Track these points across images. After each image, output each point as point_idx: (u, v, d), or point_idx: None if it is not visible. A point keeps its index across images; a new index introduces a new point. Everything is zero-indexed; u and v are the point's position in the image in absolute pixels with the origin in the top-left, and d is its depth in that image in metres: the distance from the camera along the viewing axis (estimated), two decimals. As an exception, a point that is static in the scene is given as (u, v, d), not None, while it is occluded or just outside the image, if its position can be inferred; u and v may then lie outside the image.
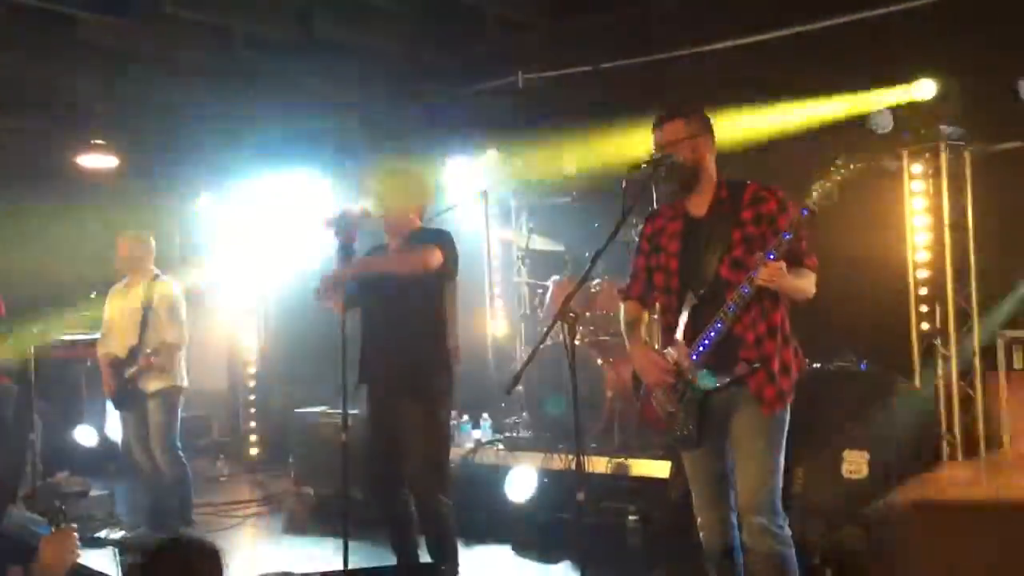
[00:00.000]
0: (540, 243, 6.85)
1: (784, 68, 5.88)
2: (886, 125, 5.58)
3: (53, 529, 2.74)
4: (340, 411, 4.21)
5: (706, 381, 3.31)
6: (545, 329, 3.78)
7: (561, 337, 3.31)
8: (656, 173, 3.42)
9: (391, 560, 4.48)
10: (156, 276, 5.79)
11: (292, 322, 8.64)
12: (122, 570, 4.40)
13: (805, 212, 3.15)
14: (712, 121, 3.47)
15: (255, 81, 7.49)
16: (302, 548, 5.85)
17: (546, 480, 5.55)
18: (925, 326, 5.73)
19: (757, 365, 3.27)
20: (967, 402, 5.66)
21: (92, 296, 7.55)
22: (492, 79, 7.09)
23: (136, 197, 8.64)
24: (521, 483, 5.58)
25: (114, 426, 7.53)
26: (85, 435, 7.75)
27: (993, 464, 5.28)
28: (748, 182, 3.41)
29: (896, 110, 5.56)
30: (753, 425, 3.32)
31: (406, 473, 4.33)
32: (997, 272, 5.66)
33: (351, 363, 4.26)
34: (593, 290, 6.17)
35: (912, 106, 5.58)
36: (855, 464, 4.81)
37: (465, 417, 6.45)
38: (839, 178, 3.11)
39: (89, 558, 3.34)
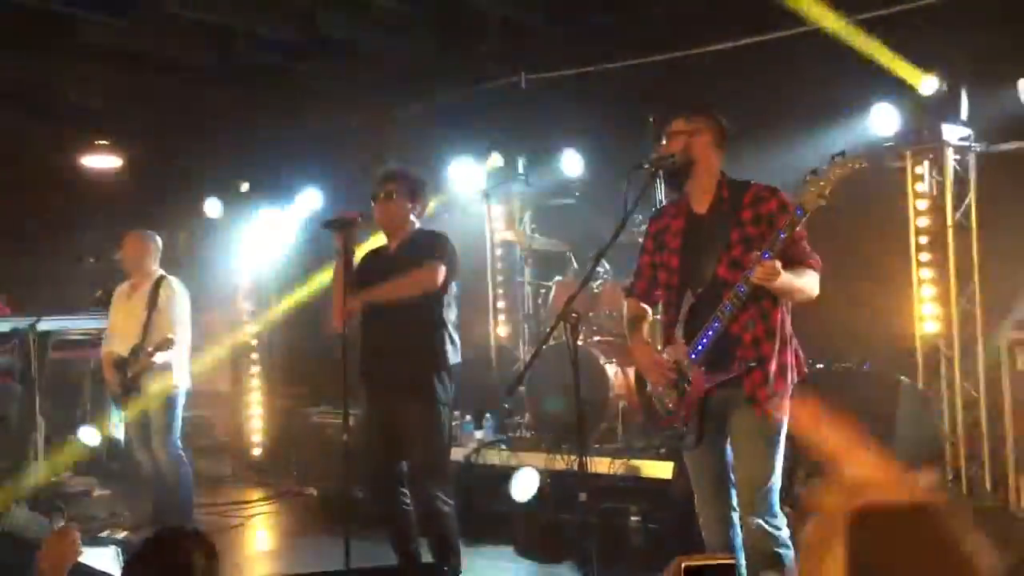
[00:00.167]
0: (543, 243, 6.85)
1: (790, 68, 5.88)
2: (889, 125, 5.57)
3: (55, 528, 2.74)
4: (342, 411, 4.22)
5: (702, 381, 3.32)
6: (548, 329, 3.78)
7: (564, 337, 3.30)
8: (657, 173, 3.43)
9: (393, 560, 4.48)
10: (162, 276, 5.80)
11: (295, 323, 8.65)
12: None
13: (800, 211, 3.13)
14: (720, 120, 3.46)
15: (259, 82, 7.51)
16: (304, 548, 5.86)
17: (549, 480, 5.54)
18: (929, 327, 5.72)
19: (753, 364, 3.26)
20: (971, 404, 5.65)
21: (97, 294, 7.57)
22: (495, 79, 7.09)
23: (140, 197, 8.66)
24: (524, 483, 5.57)
25: (117, 426, 7.53)
26: (88, 435, 7.75)
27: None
28: (751, 182, 3.42)
29: (900, 110, 5.55)
30: (750, 426, 3.32)
31: (406, 474, 4.33)
32: (1001, 273, 5.65)
33: (352, 364, 4.26)
34: (596, 290, 6.16)
35: (916, 106, 5.57)
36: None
37: (468, 417, 6.45)
38: (832, 177, 3.09)
39: (91, 558, 3.34)
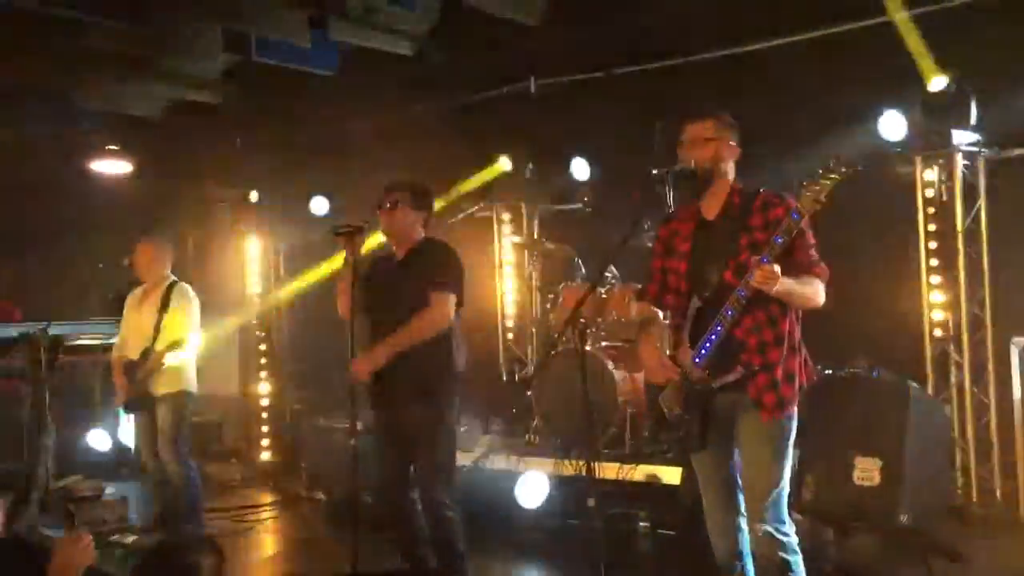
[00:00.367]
0: (551, 248, 6.85)
1: (799, 74, 5.88)
2: (898, 131, 5.57)
3: (67, 532, 2.75)
4: (351, 416, 4.23)
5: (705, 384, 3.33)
6: (556, 335, 3.78)
7: (572, 343, 3.31)
8: (667, 179, 3.43)
9: (401, 565, 4.49)
10: (173, 282, 5.82)
11: (304, 328, 8.67)
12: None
13: (796, 215, 3.13)
14: (736, 127, 3.47)
15: (269, 87, 7.54)
16: (313, 553, 5.86)
17: (557, 486, 5.54)
18: (938, 332, 5.71)
19: (756, 368, 3.26)
20: (981, 409, 5.63)
21: (109, 297, 7.60)
22: (505, 85, 7.11)
23: (149, 203, 8.70)
24: (532, 489, 5.57)
25: (127, 430, 7.56)
26: (98, 439, 7.78)
27: None
28: (761, 189, 3.42)
29: (909, 116, 5.54)
30: (756, 431, 3.32)
31: (414, 479, 4.35)
32: (1011, 278, 5.64)
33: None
34: (604, 296, 6.16)
35: (925, 111, 5.57)
36: (867, 471, 4.78)
37: (476, 422, 6.45)
38: (828, 182, 3.08)
39: (101, 562, 3.35)
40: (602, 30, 6.72)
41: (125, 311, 5.95)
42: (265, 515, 6.74)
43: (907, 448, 4.77)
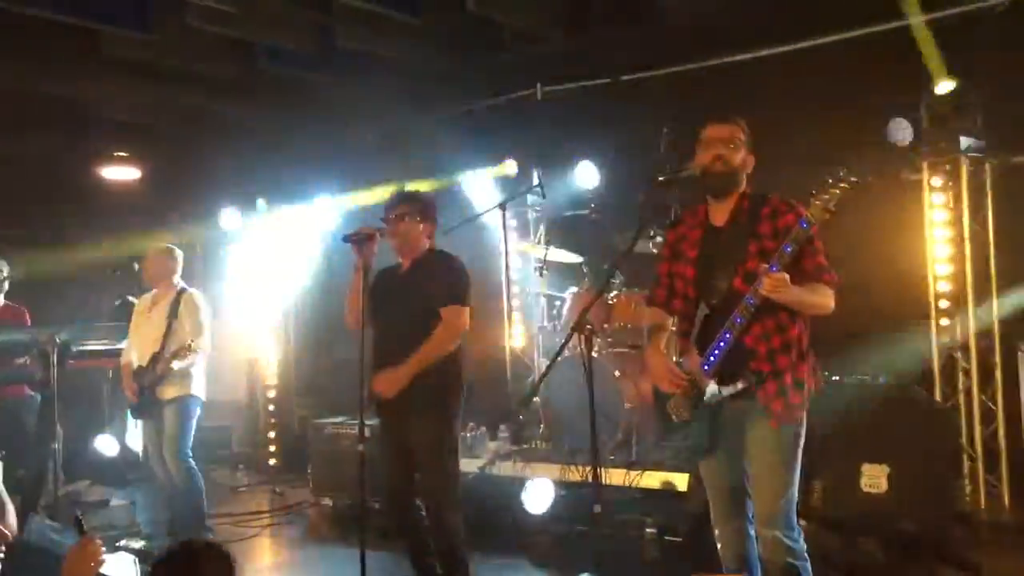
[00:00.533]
0: (558, 255, 6.86)
1: (806, 80, 5.88)
2: (905, 137, 5.56)
3: (77, 538, 2.77)
4: (358, 422, 4.24)
5: (713, 392, 3.32)
6: (562, 341, 3.78)
7: (578, 349, 3.31)
8: (674, 185, 3.43)
9: (408, 571, 4.50)
10: (183, 289, 5.84)
11: (311, 334, 8.69)
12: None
13: (804, 224, 3.13)
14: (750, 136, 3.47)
15: (276, 94, 7.57)
16: (320, 559, 5.87)
17: (563, 492, 5.54)
18: (946, 339, 5.69)
19: (765, 375, 3.26)
20: (988, 415, 5.62)
21: (116, 303, 7.63)
22: (511, 91, 7.12)
23: (158, 208, 8.74)
24: (538, 495, 5.57)
25: (135, 435, 7.59)
26: (106, 444, 7.81)
27: None
28: (770, 196, 3.41)
29: (915, 122, 5.54)
30: (765, 438, 3.32)
31: (418, 487, 4.36)
32: (1018, 284, 5.62)
33: (368, 376, 4.30)
34: (610, 302, 6.16)
35: (932, 118, 5.56)
36: (874, 478, 4.77)
37: (482, 429, 6.45)
38: (837, 191, 3.08)
39: (110, 567, 3.37)
40: (608, 36, 6.73)
41: (135, 317, 5.98)
42: (271, 520, 6.75)
43: (914, 455, 4.76)
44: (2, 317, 6.46)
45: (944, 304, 5.69)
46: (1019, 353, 5.49)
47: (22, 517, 4.05)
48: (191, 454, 5.73)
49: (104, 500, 6.40)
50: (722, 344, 3.27)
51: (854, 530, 4.82)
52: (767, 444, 3.31)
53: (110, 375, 7.59)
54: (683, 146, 3.49)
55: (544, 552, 5.43)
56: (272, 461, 8.48)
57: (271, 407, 8.65)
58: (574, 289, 6.50)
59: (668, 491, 5.28)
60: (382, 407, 4.40)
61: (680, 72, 6.31)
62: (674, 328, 3.63)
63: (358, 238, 4.28)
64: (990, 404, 5.62)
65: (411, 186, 5.07)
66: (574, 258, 6.79)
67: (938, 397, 5.62)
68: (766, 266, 3.14)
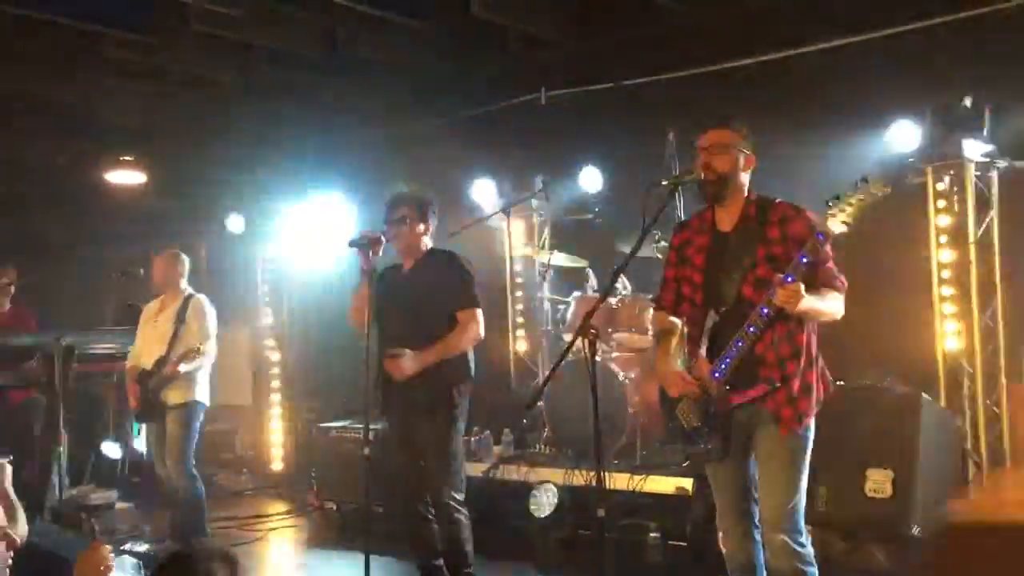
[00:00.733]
0: (562, 259, 6.86)
1: (810, 84, 5.88)
2: (910, 141, 5.56)
3: (87, 542, 2.78)
4: (362, 426, 4.25)
5: (725, 400, 3.32)
6: (567, 345, 3.78)
7: (583, 353, 3.31)
8: (677, 189, 3.43)
9: (413, 575, 4.50)
10: (191, 295, 5.86)
11: (316, 338, 8.70)
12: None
13: (821, 236, 3.12)
14: (751, 138, 3.47)
15: (280, 98, 7.58)
16: (324, 562, 5.87)
17: (567, 496, 5.54)
18: (951, 344, 5.68)
19: (778, 385, 3.26)
20: (993, 420, 5.61)
21: (121, 307, 7.64)
22: (515, 96, 7.13)
23: (163, 212, 8.75)
24: (542, 499, 5.57)
25: (140, 440, 7.59)
26: (111, 448, 7.82)
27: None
28: (778, 200, 3.40)
29: (921, 127, 5.53)
30: (773, 444, 3.32)
31: (425, 483, 4.39)
32: (1023, 289, 5.61)
33: (372, 381, 4.31)
34: (615, 306, 6.16)
35: (937, 122, 5.55)
36: (879, 483, 4.76)
37: (487, 433, 6.45)
38: (855, 203, 3.07)
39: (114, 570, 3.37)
40: (612, 40, 6.73)
41: (141, 322, 5.99)
42: (276, 524, 6.76)
43: (919, 460, 4.75)
44: (9, 321, 6.48)
45: (949, 309, 5.68)
46: (1024, 358, 5.48)
47: (28, 521, 4.06)
48: (193, 460, 5.74)
49: (109, 504, 6.40)
50: (733, 352, 3.26)
51: (859, 535, 4.81)
52: (776, 450, 3.31)
53: (115, 379, 7.59)
54: (687, 150, 3.49)
55: (548, 556, 5.43)
56: (276, 465, 8.48)
57: (275, 411, 8.66)
58: (578, 293, 6.50)
59: (672, 495, 5.27)
60: (390, 408, 4.42)
61: (684, 77, 6.31)
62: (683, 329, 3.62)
63: (363, 243, 4.30)
64: (995, 409, 5.61)
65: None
66: (578, 262, 6.80)
67: (943, 402, 5.60)
68: (780, 276, 3.12)
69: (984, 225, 5.66)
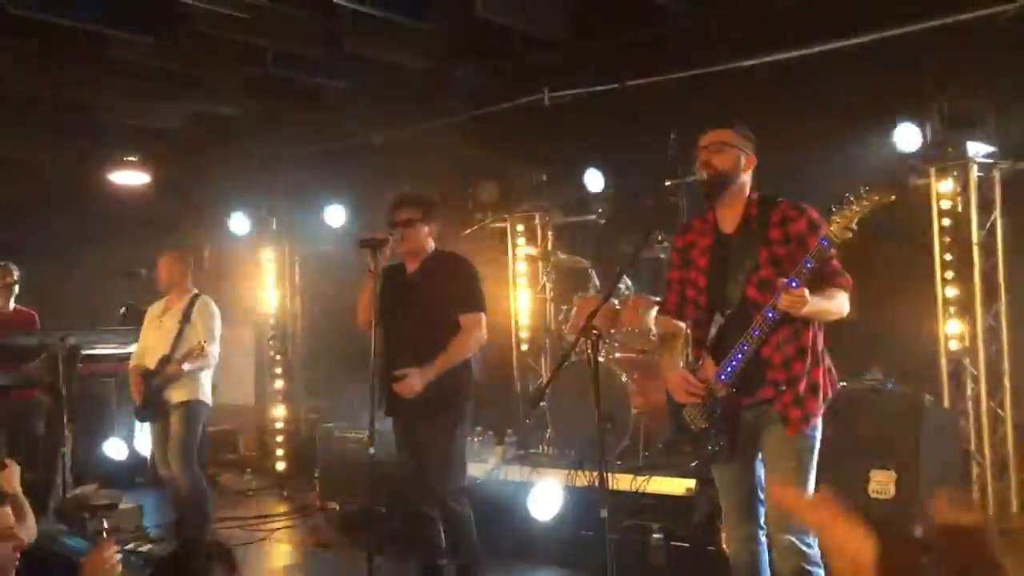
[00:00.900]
0: (565, 260, 6.87)
1: (813, 86, 5.88)
2: (913, 142, 5.55)
3: (98, 541, 2.79)
4: (365, 427, 4.26)
5: (732, 402, 3.31)
6: (569, 346, 3.79)
7: (585, 354, 3.31)
8: (680, 190, 3.44)
9: (416, 576, 4.52)
10: (196, 295, 5.87)
11: (319, 338, 8.71)
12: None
13: (824, 242, 3.11)
14: (752, 139, 3.47)
15: (284, 99, 7.59)
16: (327, 563, 5.88)
17: (570, 497, 5.54)
18: (954, 345, 5.68)
19: (784, 388, 3.26)
20: (997, 421, 5.60)
21: (122, 311, 7.65)
22: (519, 97, 7.14)
23: (167, 213, 8.76)
24: (545, 500, 5.57)
25: (143, 439, 7.60)
26: (114, 448, 7.83)
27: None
28: (780, 199, 3.40)
29: (924, 127, 5.53)
30: (781, 445, 3.32)
31: (428, 483, 4.40)
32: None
33: (377, 380, 4.32)
34: (617, 307, 6.16)
35: (940, 123, 5.54)
36: (881, 484, 4.76)
37: (490, 433, 6.46)
38: (859, 209, 3.06)
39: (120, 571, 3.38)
40: (615, 42, 6.73)
41: (146, 322, 6.00)
42: (279, 524, 6.76)
43: (922, 461, 4.75)
44: (12, 321, 6.49)
45: (952, 309, 5.68)
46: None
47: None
48: (196, 459, 5.75)
49: (112, 503, 6.40)
50: (739, 355, 3.26)
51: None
52: (783, 451, 3.31)
53: (119, 378, 7.61)
54: (690, 151, 3.49)
55: (550, 557, 5.43)
56: (280, 465, 8.49)
57: (279, 411, 8.67)
58: (581, 294, 6.51)
59: (675, 496, 5.27)
60: (393, 409, 4.43)
61: (687, 78, 6.31)
62: (688, 332, 3.62)
63: (372, 243, 4.31)
64: (998, 410, 5.60)
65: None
66: (581, 262, 6.80)
67: (946, 403, 5.60)
68: (785, 281, 3.12)
69: (987, 226, 5.65)
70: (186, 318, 5.72)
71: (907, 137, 5.55)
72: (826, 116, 5.75)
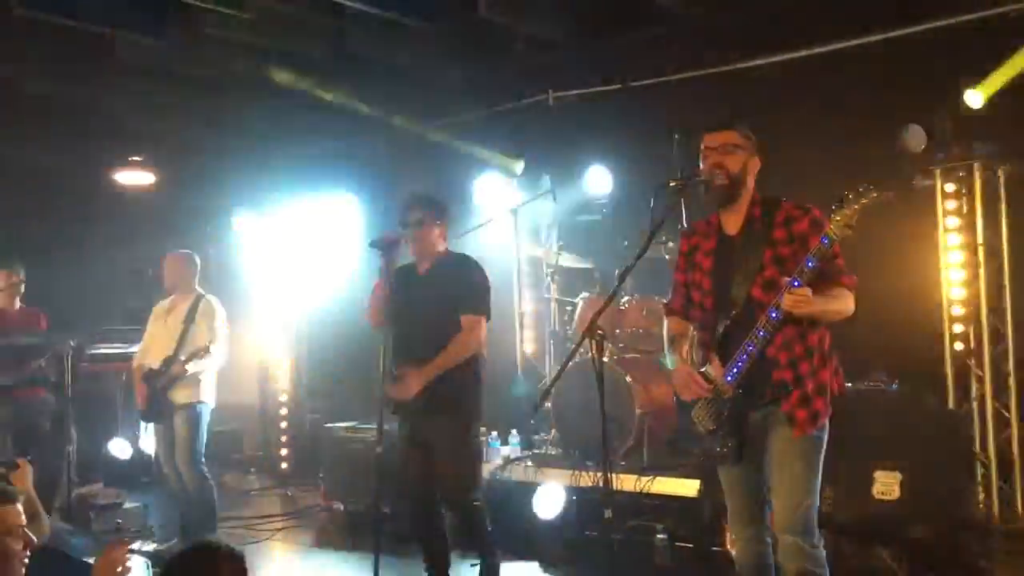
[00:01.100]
0: (569, 260, 6.86)
1: (818, 86, 5.87)
2: (919, 143, 5.54)
3: (109, 541, 2.80)
4: (370, 426, 4.28)
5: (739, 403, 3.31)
6: (574, 346, 3.80)
7: (590, 354, 3.32)
8: (685, 190, 3.43)
9: (421, 576, 4.53)
10: (201, 295, 5.87)
11: (324, 338, 8.71)
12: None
13: (825, 240, 3.10)
14: (755, 141, 3.46)
15: (288, 99, 7.59)
16: (331, 563, 5.88)
17: (574, 497, 5.54)
18: (959, 346, 5.67)
19: (791, 388, 3.26)
20: (1002, 423, 5.59)
21: (128, 307, 7.67)
22: (522, 97, 7.14)
23: (172, 213, 8.78)
24: (549, 500, 5.57)
25: (147, 439, 7.62)
26: (119, 448, 7.85)
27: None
28: (783, 200, 3.40)
29: (929, 128, 5.52)
30: (787, 446, 3.31)
31: (440, 486, 4.41)
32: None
33: (386, 380, 4.34)
34: (622, 307, 6.17)
35: (946, 124, 5.54)
36: (886, 485, 4.75)
37: (494, 433, 6.46)
38: (858, 206, 3.05)
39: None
40: (619, 42, 6.73)
41: (151, 321, 6.01)
42: (283, 524, 6.77)
43: (927, 462, 4.74)
44: (18, 321, 6.51)
45: (957, 310, 5.67)
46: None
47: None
48: (204, 459, 5.76)
49: (117, 503, 6.43)
50: (745, 356, 3.26)
51: (866, 537, 4.80)
52: (790, 452, 3.30)
53: (124, 378, 7.63)
54: (694, 151, 3.49)
55: (555, 557, 5.43)
56: (284, 465, 8.50)
57: (283, 411, 8.68)
58: (585, 294, 6.51)
59: (679, 496, 5.27)
60: (401, 409, 4.44)
61: (691, 78, 6.31)
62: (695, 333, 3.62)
63: (385, 244, 4.32)
64: (1003, 411, 5.59)
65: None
66: (585, 263, 6.80)
67: (951, 404, 5.59)
68: (788, 280, 3.12)
69: (993, 227, 5.64)
70: (191, 319, 5.73)
71: (912, 138, 5.54)
72: (832, 117, 5.75)
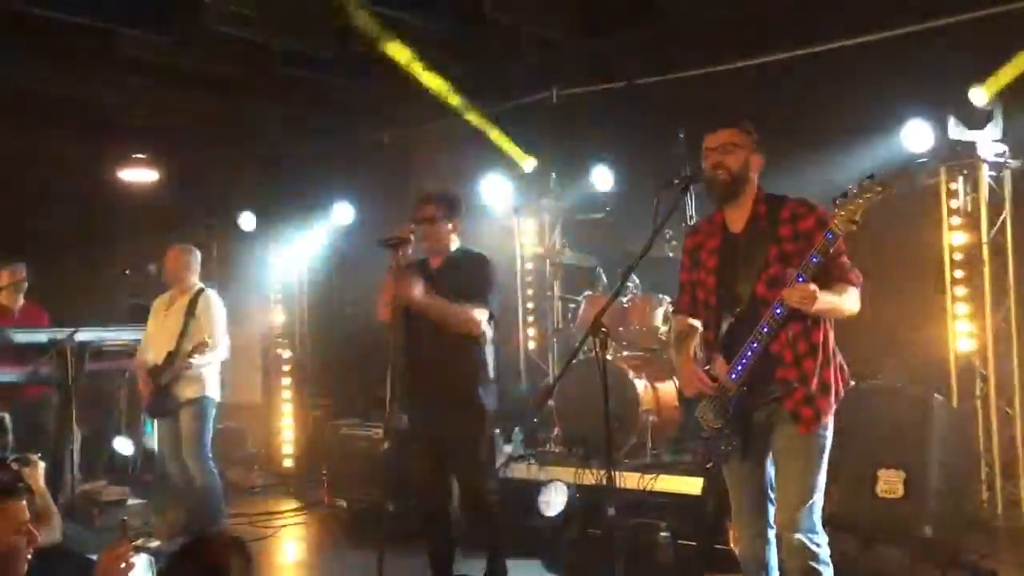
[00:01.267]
0: (573, 258, 6.86)
1: (823, 84, 5.86)
2: (924, 141, 5.53)
3: (115, 539, 2.81)
4: (373, 424, 4.27)
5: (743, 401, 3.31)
6: (577, 344, 3.79)
7: (593, 352, 3.31)
8: (688, 189, 3.43)
9: (426, 573, 4.52)
10: (201, 289, 5.88)
11: (327, 335, 8.72)
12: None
13: (830, 235, 3.10)
14: (758, 138, 3.46)
15: (293, 97, 7.61)
16: (334, 561, 5.89)
17: (577, 495, 5.54)
18: (963, 344, 5.66)
19: (795, 386, 3.25)
20: (1006, 421, 5.58)
21: (131, 303, 7.68)
22: (527, 95, 7.14)
23: (175, 210, 8.79)
24: (552, 498, 5.57)
25: (152, 435, 7.63)
26: (123, 444, 7.86)
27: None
28: (787, 197, 3.40)
29: (934, 126, 5.51)
30: (791, 444, 3.31)
31: (457, 481, 4.42)
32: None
33: (395, 375, 4.34)
34: (625, 305, 6.16)
35: (951, 122, 5.52)
36: (890, 484, 4.75)
37: (497, 431, 6.46)
38: (862, 201, 3.04)
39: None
40: (623, 40, 6.73)
41: (151, 316, 6.01)
42: (287, 521, 6.78)
43: (931, 461, 4.74)
44: (22, 318, 6.52)
45: (962, 309, 5.66)
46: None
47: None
48: (210, 455, 5.76)
49: (121, 500, 6.44)
50: (749, 353, 3.26)
51: (870, 535, 4.80)
52: (794, 449, 3.30)
53: (127, 375, 7.64)
54: (698, 149, 3.49)
55: (558, 555, 5.43)
56: (287, 462, 8.51)
57: (286, 408, 8.69)
58: (589, 292, 6.51)
59: (682, 494, 5.27)
60: (412, 405, 4.44)
61: (695, 75, 6.31)
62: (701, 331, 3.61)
63: (394, 242, 4.32)
64: (1007, 410, 5.58)
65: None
66: (589, 261, 6.80)
67: (955, 403, 5.58)
68: (793, 276, 3.12)
69: (997, 225, 5.63)
70: (191, 312, 5.74)
71: (917, 136, 5.54)
72: (836, 115, 5.74)
